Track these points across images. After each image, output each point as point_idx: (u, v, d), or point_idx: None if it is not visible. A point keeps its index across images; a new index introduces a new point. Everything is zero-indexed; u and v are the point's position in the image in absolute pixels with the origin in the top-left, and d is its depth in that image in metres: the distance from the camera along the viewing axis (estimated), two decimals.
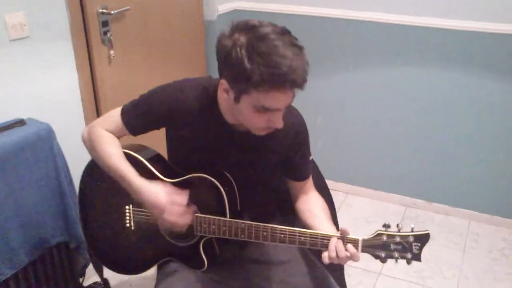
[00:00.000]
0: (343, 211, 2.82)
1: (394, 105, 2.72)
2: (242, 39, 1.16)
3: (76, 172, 1.58)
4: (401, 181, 2.87)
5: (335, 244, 1.25)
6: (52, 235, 1.88)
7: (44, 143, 1.79)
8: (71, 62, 2.05)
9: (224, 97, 1.28)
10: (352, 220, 2.73)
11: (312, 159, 1.52)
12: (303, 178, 1.50)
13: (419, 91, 2.63)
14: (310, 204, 1.46)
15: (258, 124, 1.26)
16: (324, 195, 1.78)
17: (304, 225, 1.40)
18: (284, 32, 1.19)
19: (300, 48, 1.18)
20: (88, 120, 2.16)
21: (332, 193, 1.82)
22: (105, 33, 2.13)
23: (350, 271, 2.38)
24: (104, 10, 2.09)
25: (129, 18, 2.25)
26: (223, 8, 2.80)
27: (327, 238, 1.26)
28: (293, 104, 1.45)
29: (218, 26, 2.77)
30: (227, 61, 1.19)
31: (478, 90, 2.50)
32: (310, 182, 1.52)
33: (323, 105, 2.90)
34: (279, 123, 1.25)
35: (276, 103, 1.20)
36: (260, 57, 1.14)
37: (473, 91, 2.52)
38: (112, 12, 2.11)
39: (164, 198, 1.31)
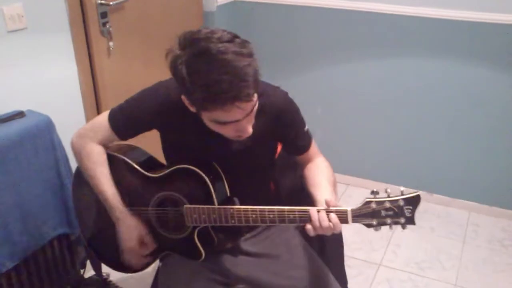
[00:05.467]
0: (343, 202, 2.81)
1: (394, 96, 2.71)
2: (184, 55, 1.14)
3: (76, 164, 1.58)
4: (402, 172, 2.87)
5: (318, 214, 1.23)
6: (53, 227, 1.88)
7: (43, 135, 1.78)
8: (70, 54, 2.04)
9: (192, 110, 1.26)
10: None
11: (308, 129, 1.50)
12: (303, 151, 1.49)
13: (419, 82, 2.62)
14: (314, 172, 1.45)
15: (226, 134, 1.27)
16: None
17: (308, 193, 1.40)
18: (231, 39, 1.14)
19: (249, 54, 1.14)
20: (87, 112, 2.15)
21: None
22: (104, 24, 2.11)
23: (350, 262, 2.39)
24: (103, 1, 2.07)
25: (128, 9, 2.24)
26: None
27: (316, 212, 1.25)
28: (294, 93, 1.45)
29: (218, 18, 2.75)
30: (175, 79, 1.19)
31: (477, 81, 2.50)
32: (313, 150, 1.51)
33: (322, 96, 2.89)
34: (246, 132, 1.25)
35: (231, 117, 1.18)
36: (199, 76, 1.12)
37: (472, 82, 2.51)
38: (111, 3, 2.09)
39: (133, 243, 1.42)
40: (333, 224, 1.22)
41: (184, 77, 1.14)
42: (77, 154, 1.47)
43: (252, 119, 1.25)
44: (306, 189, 1.43)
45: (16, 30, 1.82)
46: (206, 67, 1.11)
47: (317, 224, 1.23)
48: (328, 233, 1.25)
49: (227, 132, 1.26)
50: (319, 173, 1.44)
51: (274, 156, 1.55)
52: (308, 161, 1.50)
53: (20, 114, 1.78)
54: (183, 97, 1.25)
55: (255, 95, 1.20)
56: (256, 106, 1.23)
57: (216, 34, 1.14)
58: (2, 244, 1.70)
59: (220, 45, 1.12)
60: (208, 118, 1.22)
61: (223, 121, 1.20)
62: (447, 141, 2.70)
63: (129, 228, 1.42)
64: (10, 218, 1.71)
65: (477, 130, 2.61)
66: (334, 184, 1.42)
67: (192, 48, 1.14)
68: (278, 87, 1.43)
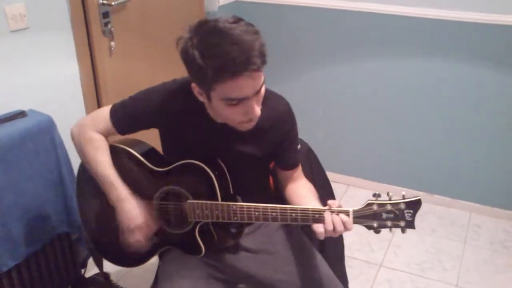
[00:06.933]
0: (344, 202, 2.78)
1: (395, 97, 2.71)
2: (194, 38, 1.19)
3: (77, 163, 1.59)
4: (402, 173, 2.87)
5: (331, 217, 1.24)
6: (54, 226, 1.88)
7: (45, 134, 1.79)
8: (71, 54, 2.05)
9: (202, 100, 1.30)
10: None
11: (300, 149, 1.52)
12: (292, 166, 1.50)
13: (420, 83, 2.62)
14: (298, 189, 1.47)
15: (237, 118, 1.28)
16: (325, 187, 1.78)
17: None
18: (236, 20, 1.21)
19: (255, 32, 1.20)
20: (89, 111, 2.15)
21: (333, 185, 1.82)
22: (105, 24, 2.12)
23: (351, 263, 2.39)
24: (105, 1, 2.08)
25: (130, 9, 2.24)
26: None
27: (318, 212, 1.26)
28: (294, 93, 1.45)
29: None
30: (186, 63, 1.23)
31: (480, 81, 2.49)
32: (299, 170, 1.53)
33: (323, 96, 2.89)
34: (254, 112, 1.26)
35: (241, 91, 1.20)
36: (209, 50, 1.17)
37: (475, 82, 2.50)
38: (113, 3, 2.10)
39: (141, 220, 1.40)
40: (345, 223, 1.24)
41: (195, 56, 1.18)
42: (77, 141, 1.47)
43: (260, 101, 1.27)
44: (290, 203, 1.44)
45: (18, 30, 1.82)
46: (216, 40, 1.17)
47: (330, 227, 1.24)
48: (337, 235, 1.26)
49: (238, 115, 1.26)
50: (303, 189, 1.46)
51: (271, 160, 1.56)
52: (291, 180, 1.51)
53: (21, 114, 1.79)
54: (193, 85, 1.27)
55: (262, 76, 1.23)
56: (264, 88, 1.26)
57: (223, 17, 1.22)
58: (3, 243, 1.70)
59: (227, 24, 1.19)
60: (219, 96, 1.23)
61: (233, 97, 1.21)
62: (448, 141, 2.70)
63: (135, 207, 1.41)
64: (11, 217, 1.72)
65: (479, 131, 2.60)
66: (318, 199, 1.42)
67: (201, 29, 1.20)
68: (282, 97, 1.45)
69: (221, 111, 1.28)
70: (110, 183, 1.41)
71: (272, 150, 1.46)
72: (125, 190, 1.41)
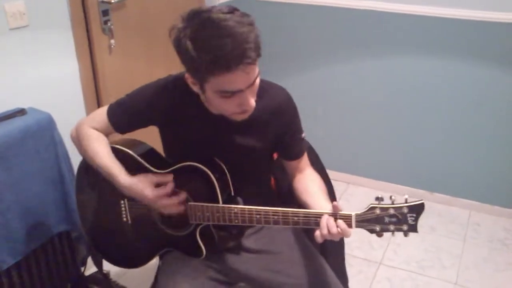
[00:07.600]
0: (344, 201, 2.82)
1: (395, 95, 2.71)
2: (187, 28, 1.17)
3: (77, 161, 1.59)
4: (402, 171, 2.87)
5: (326, 221, 1.23)
6: (54, 224, 1.88)
7: (44, 132, 1.79)
8: (71, 51, 2.05)
9: (196, 90, 1.28)
10: (353, 210, 2.73)
11: (305, 137, 1.50)
12: (296, 156, 1.49)
13: (420, 81, 2.62)
14: (306, 182, 1.45)
15: (230, 109, 1.27)
16: (326, 186, 1.77)
17: (301, 204, 1.40)
18: (231, 10, 1.19)
19: (250, 23, 1.18)
20: (88, 110, 2.15)
21: (333, 183, 1.81)
22: (105, 22, 2.12)
23: (351, 261, 2.39)
24: None
25: (129, 7, 2.24)
26: None
27: (320, 216, 1.25)
28: (294, 92, 1.45)
29: None
30: (179, 53, 1.21)
31: (479, 80, 2.49)
32: (305, 160, 1.51)
33: (324, 95, 2.89)
34: (249, 104, 1.24)
35: (235, 84, 1.19)
36: (202, 43, 1.15)
37: (475, 81, 2.50)
38: (112, 1, 2.10)
39: (150, 193, 1.34)
40: (342, 230, 1.22)
41: (188, 47, 1.16)
42: (76, 139, 1.47)
43: (255, 92, 1.26)
44: (298, 199, 1.43)
45: (17, 28, 1.82)
46: (210, 33, 1.15)
47: (325, 231, 1.22)
48: (336, 239, 1.24)
49: (232, 107, 1.25)
50: (311, 183, 1.44)
51: (273, 153, 1.55)
52: (298, 170, 1.50)
53: (21, 112, 1.79)
54: (186, 75, 1.26)
55: (257, 68, 1.21)
56: (259, 79, 1.24)
57: (217, 7, 1.20)
58: (2, 241, 1.70)
59: (221, 14, 1.17)
60: (212, 88, 1.22)
61: (227, 90, 1.20)
62: (448, 140, 2.70)
63: (140, 188, 1.36)
64: (11, 215, 1.72)
65: (479, 129, 2.60)
66: (326, 193, 1.41)
67: (194, 20, 1.18)
68: (281, 87, 1.44)
69: (214, 102, 1.27)
70: (111, 171, 1.38)
71: (273, 141, 1.45)
72: (123, 179, 1.37)
